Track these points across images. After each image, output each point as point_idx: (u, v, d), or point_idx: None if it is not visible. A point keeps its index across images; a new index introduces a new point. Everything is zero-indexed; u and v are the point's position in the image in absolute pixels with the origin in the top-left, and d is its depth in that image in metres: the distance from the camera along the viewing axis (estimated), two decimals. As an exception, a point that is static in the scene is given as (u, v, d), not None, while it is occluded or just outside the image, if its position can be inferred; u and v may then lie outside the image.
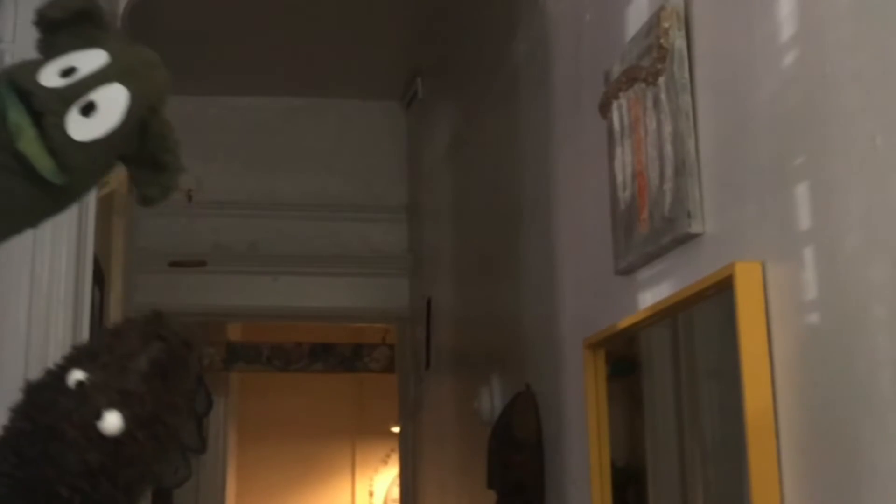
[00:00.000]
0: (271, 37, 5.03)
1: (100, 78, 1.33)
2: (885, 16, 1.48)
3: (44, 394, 1.25)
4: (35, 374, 1.45)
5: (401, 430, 5.98)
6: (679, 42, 2.07)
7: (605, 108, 2.42)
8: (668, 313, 2.13)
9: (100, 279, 3.53)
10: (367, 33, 4.98)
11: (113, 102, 1.33)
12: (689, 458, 2.17)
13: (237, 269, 5.51)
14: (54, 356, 2.38)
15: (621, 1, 2.51)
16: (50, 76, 1.32)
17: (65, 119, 1.29)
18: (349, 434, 9.65)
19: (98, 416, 1.20)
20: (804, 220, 1.68)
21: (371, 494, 9.80)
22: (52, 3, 1.43)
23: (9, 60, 2.52)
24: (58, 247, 2.59)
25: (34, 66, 1.35)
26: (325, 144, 5.71)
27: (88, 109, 1.31)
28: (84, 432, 1.20)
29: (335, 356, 8.77)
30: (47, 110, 1.29)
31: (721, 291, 1.83)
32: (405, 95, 5.68)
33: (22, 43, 2.55)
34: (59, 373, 1.25)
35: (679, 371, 2.23)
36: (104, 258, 3.72)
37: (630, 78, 2.25)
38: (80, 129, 1.30)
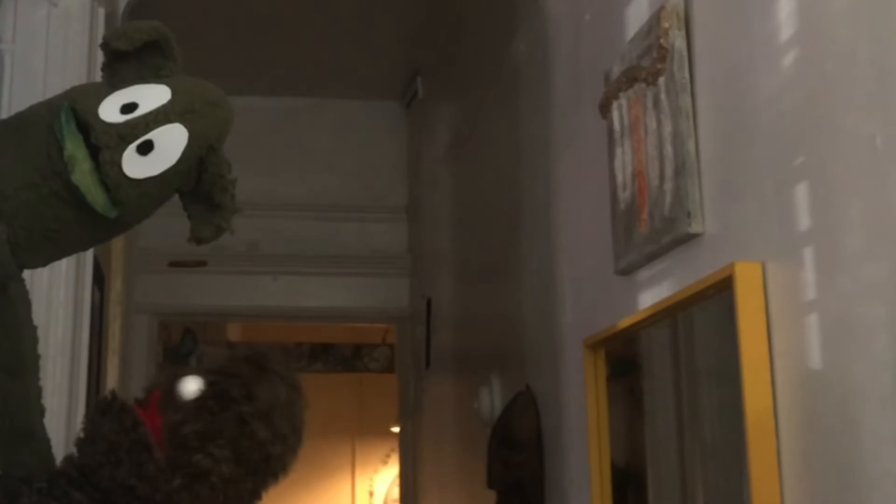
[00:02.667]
0: (271, 37, 5.02)
1: (160, 117, 1.32)
2: (885, 16, 1.48)
3: None
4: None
5: (401, 430, 5.98)
6: (679, 42, 2.07)
7: (605, 108, 2.42)
8: (667, 313, 2.13)
9: (100, 279, 3.53)
10: (367, 33, 4.97)
11: (171, 142, 1.32)
12: (689, 458, 2.16)
13: (237, 269, 5.51)
14: (54, 356, 2.39)
15: (621, 1, 2.50)
16: (111, 110, 1.31)
17: (121, 156, 1.29)
18: (349, 434, 9.64)
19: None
20: (804, 220, 1.68)
21: (371, 494, 9.79)
22: (118, 34, 1.40)
23: (9, 60, 2.52)
24: (58, 247, 2.57)
25: (97, 96, 1.34)
26: (325, 144, 5.70)
27: (146, 148, 1.30)
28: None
29: (335, 356, 8.77)
30: (104, 146, 1.28)
31: (721, 291, 1.83)
32: (405, 95, 5.68)
33: (22, 43, 2.54)
34: None
35: (679, 371, 2.23)
36: (104, 258, 3.72)
37: (630, 78, 2.25)
38: (136, 166, 1.30)
